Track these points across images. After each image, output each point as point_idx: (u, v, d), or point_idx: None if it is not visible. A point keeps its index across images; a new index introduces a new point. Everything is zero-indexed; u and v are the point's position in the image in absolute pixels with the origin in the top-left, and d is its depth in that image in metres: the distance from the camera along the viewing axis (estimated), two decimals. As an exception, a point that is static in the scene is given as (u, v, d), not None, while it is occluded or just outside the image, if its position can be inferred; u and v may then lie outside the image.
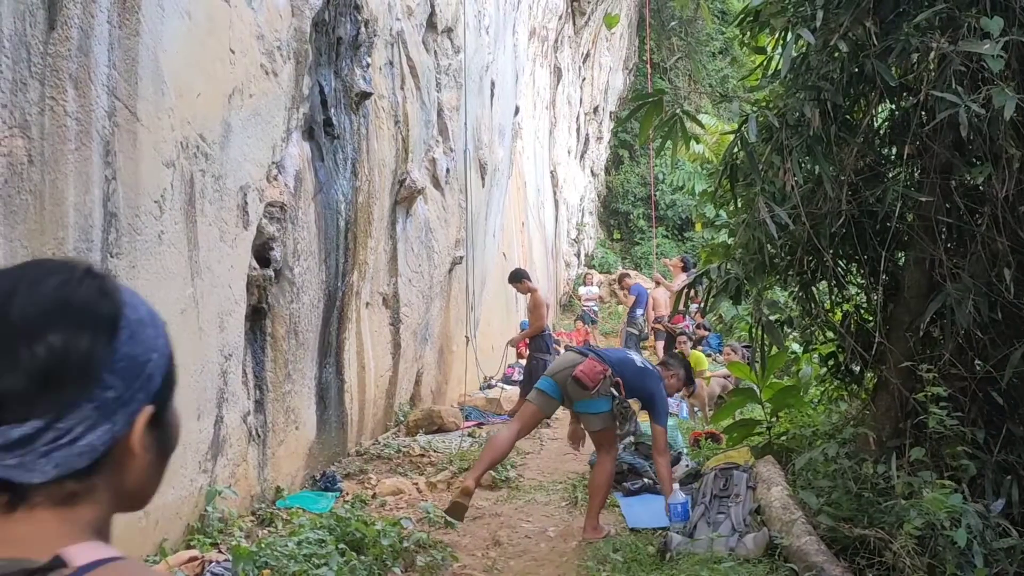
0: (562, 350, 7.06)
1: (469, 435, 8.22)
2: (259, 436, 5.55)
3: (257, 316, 5.52)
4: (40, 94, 3.39)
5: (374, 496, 6.13)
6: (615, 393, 5.18)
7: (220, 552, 4.48)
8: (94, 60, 3.70)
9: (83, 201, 3.65)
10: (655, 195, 21.04)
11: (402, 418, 8.40)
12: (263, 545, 4.24)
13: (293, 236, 5.80)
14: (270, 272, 5.50)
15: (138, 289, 3.82)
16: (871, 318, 5.24)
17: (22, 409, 0.79)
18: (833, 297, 5.47)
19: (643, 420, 7.57)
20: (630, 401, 5.24)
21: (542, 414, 5.56)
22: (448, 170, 9.34)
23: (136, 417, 0.85)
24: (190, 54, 4.48)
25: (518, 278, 10.18)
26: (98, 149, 3.73)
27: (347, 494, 6.08)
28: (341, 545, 4.43)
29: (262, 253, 5.47)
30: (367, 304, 7.44)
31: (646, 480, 6.28)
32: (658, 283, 13.09)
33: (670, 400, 9.58)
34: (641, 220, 22.43)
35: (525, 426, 5.50)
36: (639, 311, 12.93)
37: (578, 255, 21.04)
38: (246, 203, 5.13)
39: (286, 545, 4.22)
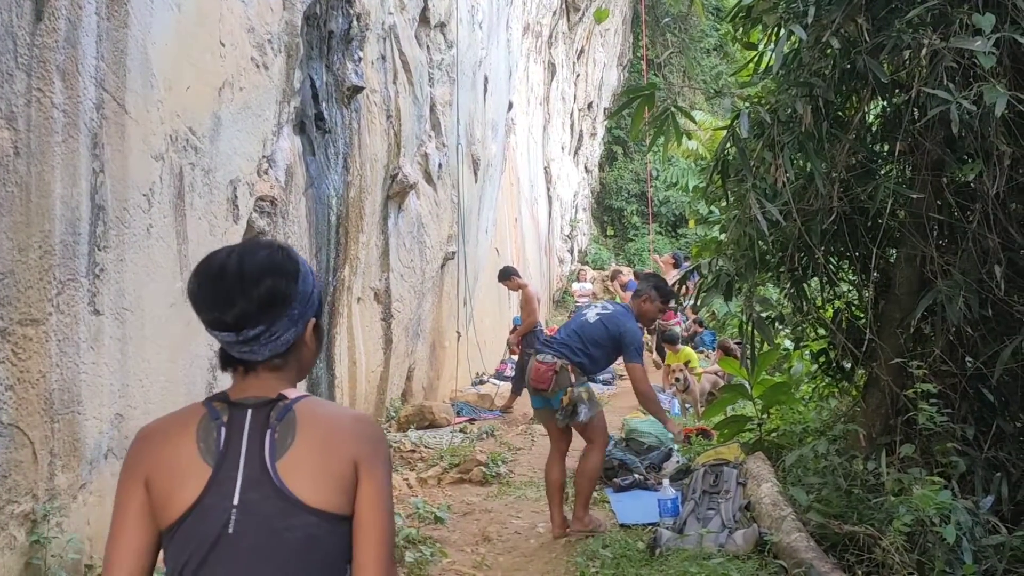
0: None
1: (460, 431, 8.21)
2: (249, 431, 5.51)
3: (247, 310, 5.49)
4: (27, 85, 3.36)
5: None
6: (571, 380, 5.22)
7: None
8: (82, 52, 3.67)
9: (70, 194, 3.61)
10: (651, 191, 21.06)
11: (393, 414, 8.38)
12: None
13: (284, 230, 5.77)
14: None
15: (126, 282, 3.75)
16: (862, 315, 5.24)
17: (253, 320, 1.47)
18: (824, 294, 5.46)
19: (634, 416, 7.59)
20: (581, 390, 5.24)
21: (554, 424, 5.46)
22: (440, 165, 9.31)
23: (308, 324, 1.56)
24: (180, 46, 4.44)
25: (507, 275, 10.14)
26: (85, 141, 3.70)
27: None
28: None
29: (252, 247, 5.43)
30: (358, 299, 7.42)
31: (636, 476, 6.28)
32: (650, 279, 13.07)
33: (662, 396, 9.65)
34: (635, 216, 22.45)
35: (560, 446, 5.51)
36: (635, 305, 12.91)
37: (572, 251, 21.06)
38: (236, 197, 5.10)
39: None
